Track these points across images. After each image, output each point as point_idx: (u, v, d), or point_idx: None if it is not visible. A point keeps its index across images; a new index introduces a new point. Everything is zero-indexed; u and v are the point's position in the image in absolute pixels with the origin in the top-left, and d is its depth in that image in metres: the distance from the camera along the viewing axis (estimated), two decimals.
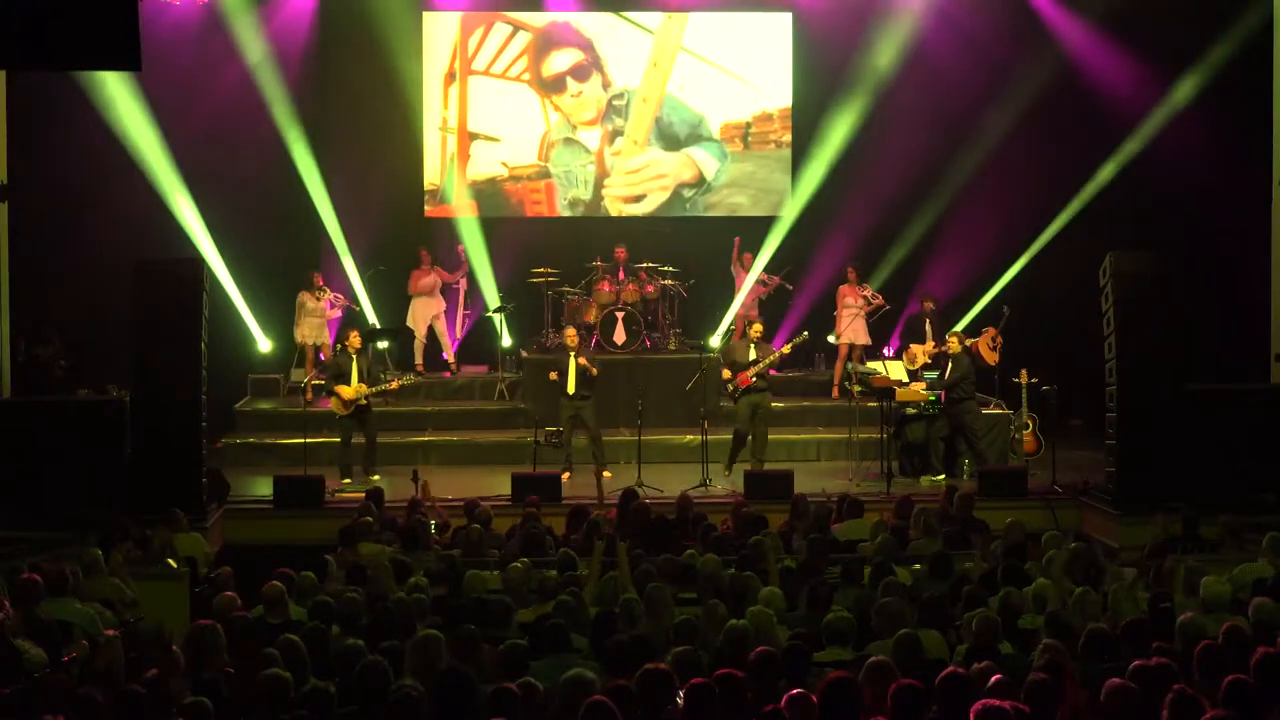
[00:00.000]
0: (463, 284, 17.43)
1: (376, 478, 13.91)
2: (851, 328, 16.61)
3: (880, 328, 17.01)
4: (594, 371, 14.33)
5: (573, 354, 14.41)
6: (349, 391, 14.04)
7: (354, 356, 14.22)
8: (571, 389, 14.30)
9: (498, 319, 16.95)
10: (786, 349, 14.62)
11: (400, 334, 16.89)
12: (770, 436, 14.61)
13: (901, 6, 17.40)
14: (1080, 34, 17.00)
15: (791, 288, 17.29)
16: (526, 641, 7.17)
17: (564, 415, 14.46)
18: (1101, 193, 16.82)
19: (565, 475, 14.08)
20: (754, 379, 14.22)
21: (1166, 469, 12.42)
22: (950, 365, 14.33)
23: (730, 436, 14.57)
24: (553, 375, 14.45)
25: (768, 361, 14.32)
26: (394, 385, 14.50)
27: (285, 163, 16.99)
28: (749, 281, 17.06)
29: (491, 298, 17.30)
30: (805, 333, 14.99)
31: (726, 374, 14.45)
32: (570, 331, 14.83)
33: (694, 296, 17.15)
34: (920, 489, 13.72)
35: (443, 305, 17.13)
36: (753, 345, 14.43)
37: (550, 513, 11.90)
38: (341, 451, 14.19)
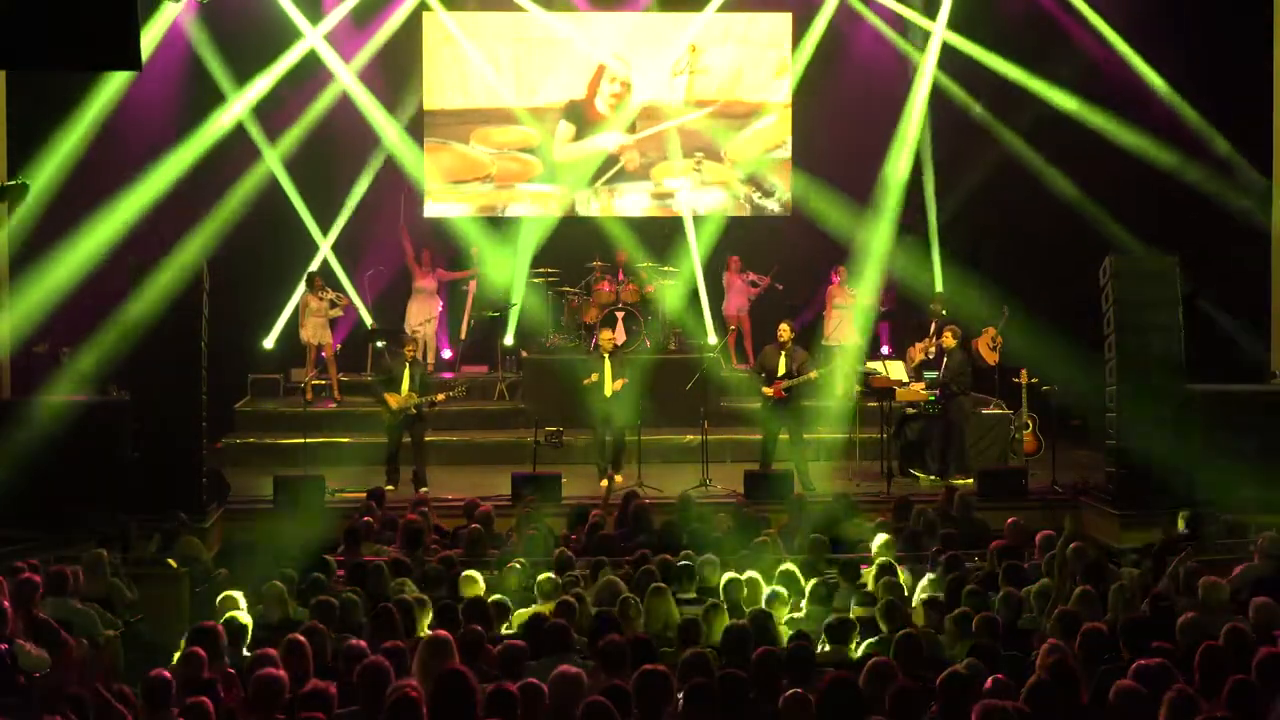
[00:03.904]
0: (472, 285, 17.41)
1: (425, 489, 13.44)
2: (840, 328, 16.59)
3: (884, 327, 17.04)
4: (616, 386, 14.02)
5: (607, 357, 14.15)
6: (395, 400, 13.77)
7: (407, 364, 13.90)
8: (609, 392, 14.00)
9: (509, 315, 16.95)
10: (814, 374, 13.88)
11: (394, 335, 16.89)
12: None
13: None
14: (1092, 37, 16.97)
15: (781, 287, 17.26)
16: (526, 642, 7.17)
17: (597, 419, 14.14)
18: (1102, 192, 16.82)
19: (604, 483, 13.70)
20: (786, 392, 13.78)
21: (1166, 469, 12.41)
22: (945, 360, 14.31)
23: (729, 438, 14.57)
24: (593, 378, 14.10)
25: (803, 379, 13.74)
26: (441, 398, 14.07)
27: (285, 163, 17.00)
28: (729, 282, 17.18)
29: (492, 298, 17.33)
30: (822, 369, 14.37)
31: (767, 390, 13.89)
32: (606, 334, 14.60)
33: (695, 296, 17.19)
34: (920, 489, 13.72)
35: (439, 307, 17.10)
36: (784, 353, 13.92)
37: (550, 513, 11.92)
38: (387, 456, 13.91)
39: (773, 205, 18.30)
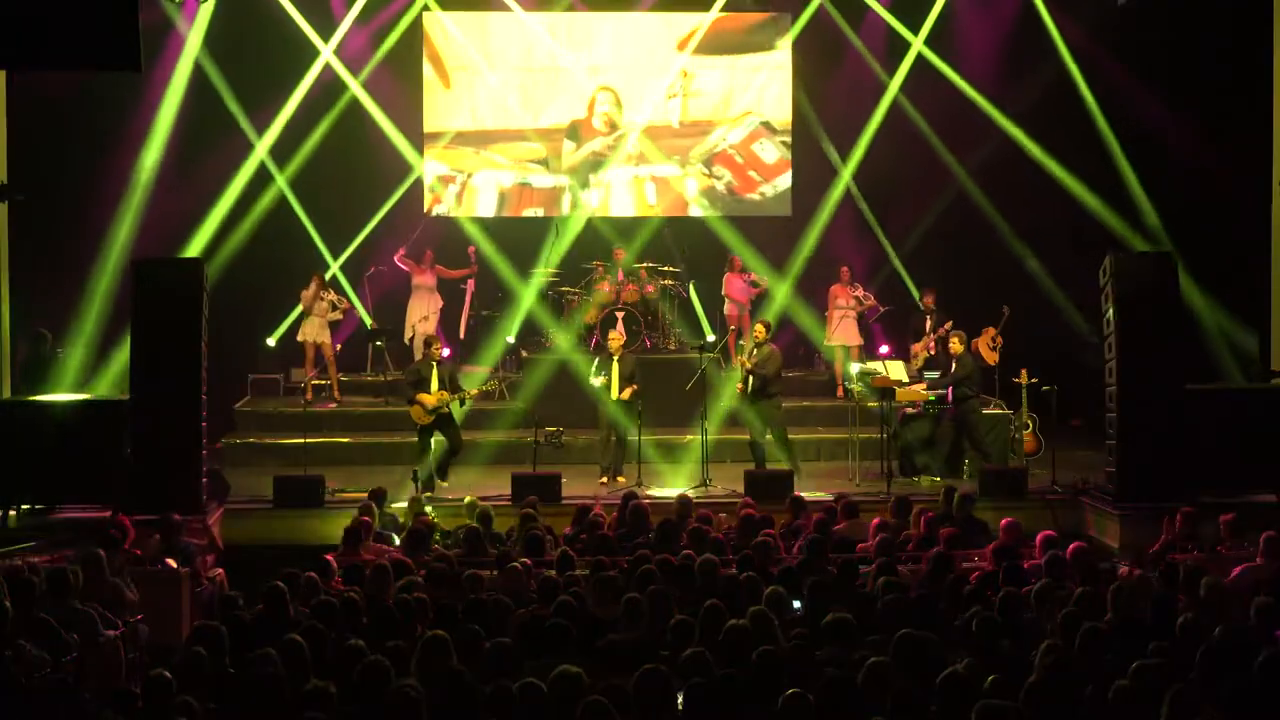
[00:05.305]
0: (471, 285, 17.40)
1: (445, 484, 13.59)
2: (843, 329, 16.58)
3: (877, 327, 17.04)
4: (624, 395, 13.97)
5: (615, 359, 14.09)
6: (431, 399, 13.67)
7: (434, 364, 13.85)
8: (615, 395, 13.96)
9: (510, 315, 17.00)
10: (748, 362, 13.96)
11: (390, 334, 16.90)
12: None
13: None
14: (1083, 39, 16.98)
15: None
16: (523, 642, 7.17)
17: (603, 422, 14.12)
18: (1102, 192, 16.83)
19: (604, 480, 13.92)
20: (745, 384, 13.91)
21: (1166, 469, 12.41)
22: (954, 364, 14.30)
23: (729, 438, 14.56)
24: (600, 380, 14.09)
25: (746, 369, 13.88)
26: (474, 392, 14.05)
27: (285, 162, 17.01)
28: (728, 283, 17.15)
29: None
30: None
31: (738, 386, 14.15)
32: (614, 335, 14.53)
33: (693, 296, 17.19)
34: (920, 489, 13.72)
35: (439, 304, 17.08)
36: (754, 349, 14.08)
37: (550, 513, 11.91)
38: (421, 461, 13.76)
39: (720, 187, 18.31)
